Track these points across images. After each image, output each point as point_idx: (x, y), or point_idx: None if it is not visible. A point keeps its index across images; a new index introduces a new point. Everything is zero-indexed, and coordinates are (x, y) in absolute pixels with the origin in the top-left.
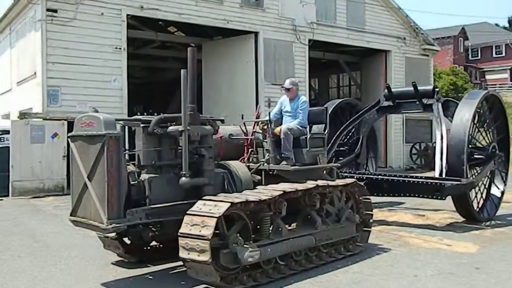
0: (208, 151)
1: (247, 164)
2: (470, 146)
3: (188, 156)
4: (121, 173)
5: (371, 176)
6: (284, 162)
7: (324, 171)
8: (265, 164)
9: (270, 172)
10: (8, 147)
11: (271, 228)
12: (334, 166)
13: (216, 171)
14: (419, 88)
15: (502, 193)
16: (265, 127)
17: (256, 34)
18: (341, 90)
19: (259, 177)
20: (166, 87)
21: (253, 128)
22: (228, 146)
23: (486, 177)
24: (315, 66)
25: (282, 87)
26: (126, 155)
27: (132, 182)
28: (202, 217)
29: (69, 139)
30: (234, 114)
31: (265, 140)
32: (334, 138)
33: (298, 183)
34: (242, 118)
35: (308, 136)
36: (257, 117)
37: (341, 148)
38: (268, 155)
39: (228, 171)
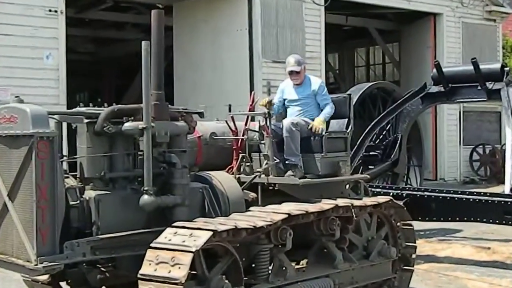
0: (180, 157)
1: (237, 176)
2: None
3: (153, 164)
4: (56, 189)
5: (414, 193)
6: (289, 173)
7: (347, 186)
8: (263, 175)
9: (270, 188)
10: None
11: (271, 267)
12: (361, 178)
13: (192, 186)
14: (481, 66)
15: None
16: (264, 122)
17: None
18: (372, 69)
19: (254, 195)
20: (121, 66)
21: (246, 124)
22: (210, 151)
23: None
24: (334, 35)
25: (289, 71)
26: (64, 164)
27: (72, 203)
28: (173, 252)
29: None
30: (219, 105)
31: (263, 142)
32: (361, 138)
33: (310, 202)
34: (230, 110)
35: (325, 136)
36: (252, 109)
37: (371, 153)
38: (266, 163)
39: (210, 186)
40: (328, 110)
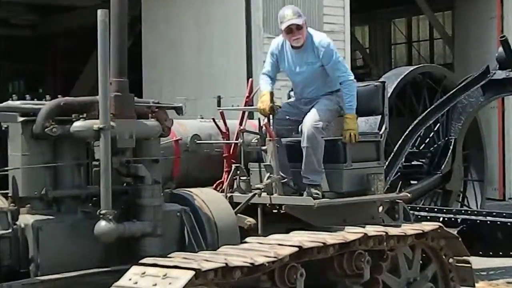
0: (151, 169)
1: (229, 195)
2: None
3: (113, 179)
4: None
5: (473, 218)
6: (304, 193)
7: (380, 208)
8: (264, 194)
9: (275, 211)
10: None
11: None
12: (400, 197)
13: (167, 208)
14: None
15: None
16: (265, 120)
17: None
18: (415, 48)
19: (252, 220)
20: (71, 44)
21: (241, 124)
22: (192, 160)
23: None
24: (363, 2)
25: (287, 27)
26: None
27: (1, 232)
28: None
29: None
30: (204, 97)
31: (264, 147)
32: (399, 142)
33: (329, 231)
34: (219, 103)
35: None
36: (249, 103)
37: (414, 162)
38: (270, 177)
39: (191, 208)
40: (351, 91)
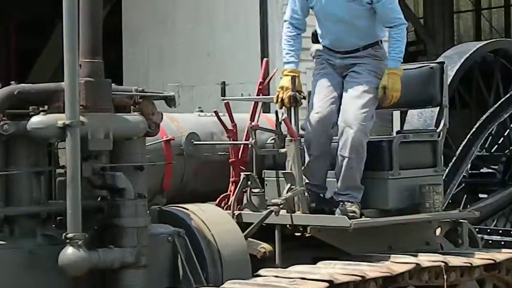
0: (133, 178)
1: (237, 212)
2: None
3: (84, 192)
4: None
5: None
6: (337, 210)
7: (438, 229)
8: (283, 211)
9: (297, 234)
10: None
11: None
12: (465, 216)
13: (155, 231)
14: None
15: None
16: (285, 113)
17: None
18: (485, 17)
19: (267, 247)
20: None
21: (252, 118)
22: (188, 166)
23: None
24: None
25: None
26: None
27: None
28: None
29: None
30: (204, 83)
31: (284, 150)
32: (464, 142)
33: (368, 260)
34: (224, 92)
35: (395, 140)
36: (262, 91)
37: (484, 170)
38: (291, 189)
39: (187, 230)
40: (403, 37)
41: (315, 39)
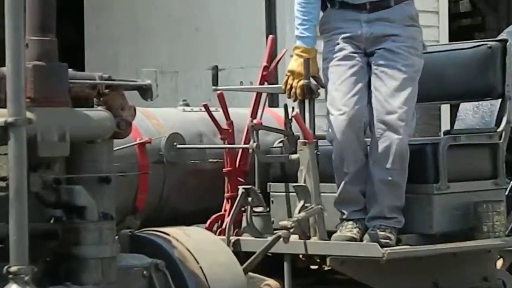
0: (97, 194)
1: (233, 238)
2: None
3: (32, 211)
4: None
5: None
6: (365, 236)
7: (500, 261)
8: (294, 236)
9: (313, 267)
10: None
11: None
12: None
13: (127, 262)
14: None
15: None
16: (296, 108)
17: None
18: None
19: (273, 284)
20: None
21: (254, 115)
22: (169, 177)
23: None
24: None
25: None
26: None
27: None
28: None
29: None
30: (191, 67)
31: (295, 156)
32: None
33: None
34: (216, 79)
35: (443, 142)
36: (268, 77)
37: None
38: (304, 207)
39: (169, 262)
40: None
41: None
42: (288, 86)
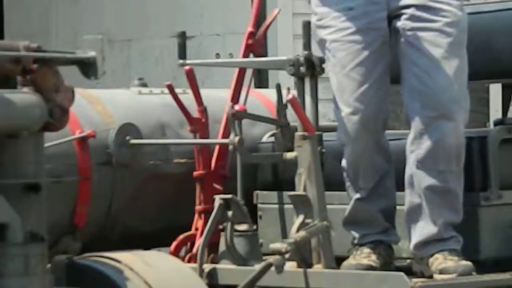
0: (23, 206)
1: (207, 267)
2: None
3: None
4: None
5: None
6: (418, 268)
7: None
8: (292, 264)
9: None
10: None
11: None
12: None
13: None
14: None
15: None
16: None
17: None
18: None
19: None
20: None
21: (236, 99)
22: (121, 184)
23: None
24: None
25: None
26: None
27: None
28: None
29: None
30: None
31: (292, 155)
32: None
33: None
34: (184, 52)
35: (493, 136)
36: (252, 50)
37: None
38: (304, 224)
39: None
40: None
41: None
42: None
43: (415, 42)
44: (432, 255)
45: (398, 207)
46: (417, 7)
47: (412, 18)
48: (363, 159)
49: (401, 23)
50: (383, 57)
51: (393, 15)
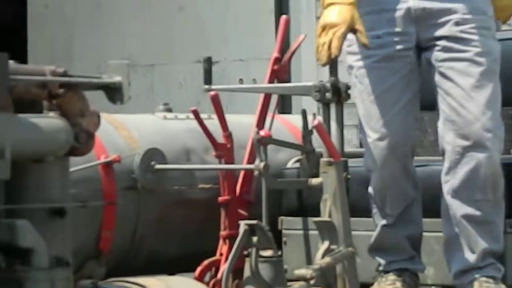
0: (48, 231)
1: None
2: None
3: None
4: None
5: None
6: None
7: None
8: (313, 287)
9: None
10: None
11: None
12: None
13: None
14: None
15: None
16: (318, 114)
17: None
18: None
19: None
20: None
21: (262, 125)
22: (146, 209)
23: None
24: None
25: None
26: None
27: None
28: None
29: None
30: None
31: (318, 181)
32: None
33: None
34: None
35: None
36: (277, 75)
37: None
38: (329, 250)
39: None
40: None
41: None
42: (321, 43)
43: (447, 72)
44: (470, 283)
45: (424, 234)
46: (448, 38)
47: (444, 49)
48: (390, 185)
49: (433, 55)
50: (411, 84)
51: (424, 46)
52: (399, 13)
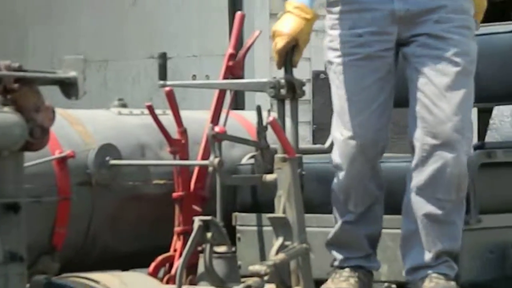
0: (2, 227)
1: None
2: None
3: None
4: None
5: None
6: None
7: None
8: (269, 285)
9: None
10: None
11: None
12: None
13: None
14: None
15: None
16: (272, 110)
17: None
18: None
19: None
20: None
21: (216, 121)
22: (100, 205)
23: None
24: None
25: None
26: None
27: None
28: None
29: None
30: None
31: (272, 177)
32: None
33: None
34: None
35: (472, 160)
36: (232, 71)
37: None
38: (283, 246)
39: None
40: None
41: None
42: (272, 49)
43: (423, 69)
44: (422, 280)
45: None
46: (429, 35)
47: (423, 45)
48: (357, 184)
49: (411, 50)
50: (387, 85)
51: (404, 43)
52: (382, 14)
